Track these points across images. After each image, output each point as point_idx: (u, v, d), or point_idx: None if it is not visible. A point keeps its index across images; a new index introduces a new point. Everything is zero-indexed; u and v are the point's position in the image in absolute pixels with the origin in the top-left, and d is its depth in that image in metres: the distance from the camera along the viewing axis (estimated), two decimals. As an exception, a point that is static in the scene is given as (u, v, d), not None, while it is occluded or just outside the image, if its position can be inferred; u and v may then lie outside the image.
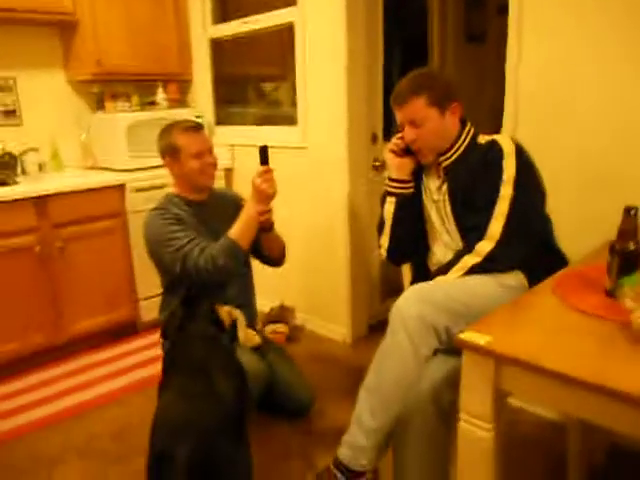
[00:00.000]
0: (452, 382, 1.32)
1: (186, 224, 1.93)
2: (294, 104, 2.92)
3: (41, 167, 3.10)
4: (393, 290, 3.00)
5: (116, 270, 2.93)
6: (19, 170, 2.97)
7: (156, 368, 2.58)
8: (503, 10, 2.04)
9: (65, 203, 2.69)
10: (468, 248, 1.54)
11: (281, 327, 2.91)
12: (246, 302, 2.19)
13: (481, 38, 3.65)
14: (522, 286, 1.52)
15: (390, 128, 2.91)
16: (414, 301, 1.37)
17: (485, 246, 1.49)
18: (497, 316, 1.22)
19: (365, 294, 2.92)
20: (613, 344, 1.07)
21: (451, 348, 1.36)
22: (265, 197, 1.82)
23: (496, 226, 1.49)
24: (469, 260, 1.51)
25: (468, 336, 1.10)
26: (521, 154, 1.55)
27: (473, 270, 1.50)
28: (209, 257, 1.82)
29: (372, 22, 2.66)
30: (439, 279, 1.53)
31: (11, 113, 3.06)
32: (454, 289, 1.44)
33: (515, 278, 1.53)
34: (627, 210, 1.22)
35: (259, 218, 1.85)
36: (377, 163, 2.84)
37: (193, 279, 1.87)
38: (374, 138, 2.84)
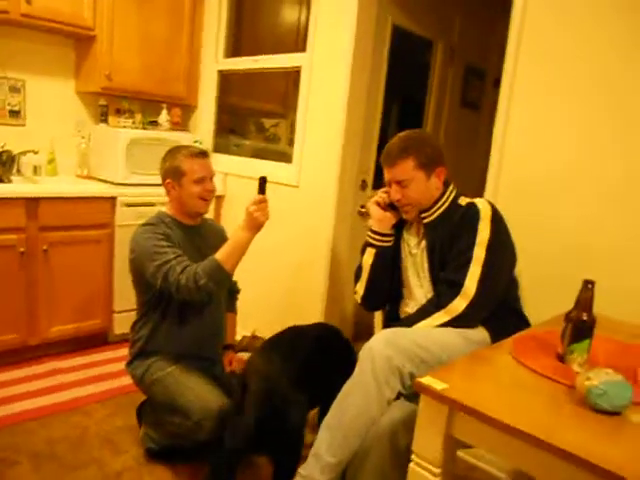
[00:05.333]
0: (410, 426, 1.38)
1: (174, 243, 1.98)
2: (291, 143, 3.04)
3: (36, 170, 3.14)
4: (365, 332, 3.07)
5: (96, 280, 2.96)
6: (14, 170, 3.03)
7: (121, 381, 2.62)
8: (498, 84, 2.19)
9: (56, 207, 2.74)
10: (439, 301, 1.63)
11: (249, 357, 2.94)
12: (220, 330, 2.24)
13: (476, 105, 3.84)
14: (484, 341, 1.62)
15: (380, 176, 3.04)
16: (384, 343, 1.45)
17: (459, 305, 1.59)
18: (456, 366, 1.31)
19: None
20: (559, 404, 1.15)
21: (412, 395, 1.44)
22: (256, 225, 1.87)
23: (470, 285, 1.59)
24: (440, 317, 1.60)
25: (427, 381, 1.17)
26: (496, 218, 1.67)
27: (442, 325, 1.59)
28: (192, 275, 1.84)
29: (375, 77, 2.82)
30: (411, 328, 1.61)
31: (16, 113, 3.13)
32: (422, 338, 1.52)
33: (479, 334, 1.63)
34: (585, 283, 1.32)
35: (247, 245, 1.91)
36: (363, 210, 2.95)
37: (173, 295, 1.91)
38: (364, 185, 2.96)
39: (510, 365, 1.32)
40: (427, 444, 1.18)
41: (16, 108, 3.13)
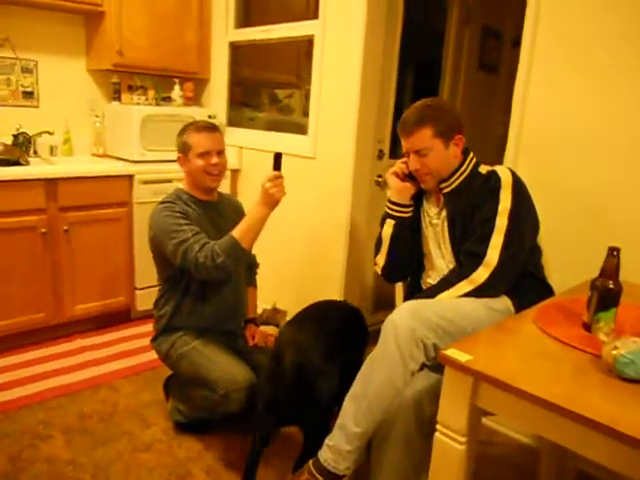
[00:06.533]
0: (434, 396, 1.39)
1: (192, 220, 1.99)
2: (305, 114, 3.00)
3: (52, 150, 3.17)
4: (385, 303, 3.07)
5: (117, 258, 3.00)
6: (31, 151, 3.04)
7: (146, 357, 2.67)
8: (517, 43, 2.12)
9: (74, 187, 2.76)
10: (462, 271, 1.62)
11: (272, 330, 2.97)
12: (240, 304, 2.26)
13: (494, 68, 3.74)
14: (508, 311, 1.60)
15: (397, 145, 3.00)
16: (407, 315, 1.44)
17: (482, 274, 1.57)
18: (480, 337, 1.30)
19: (357, 304, 2.97)
20: (585, 374, 1.14)
21: (436, 365, 1.44)
22: (272, 201, 1.88)
23: (493, 255, 1.57)
24: (463, 287, 1.58)
25: (451, 353, 1.17)
26: (518, 186, 1.63)
27: (465, 295, 1.58)
28: (210, 253, 1.86)
29: (390, 43, 2.75)
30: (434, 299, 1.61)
31: (29, 95, 3.13)
32: (445, 309, 1.51)
33: (502, 303, 1.61)
34: (611, 250, 1.30)
35: (264, 221, 1.91)
36: (381, 179, 2.92)
37: (192, 273, 1.93)
38: (381, 154, 2.92)
39: (535, 335, 1.31)
40: (452, 414, 1.19)
41: (29, 89, 3.12)
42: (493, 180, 1.64)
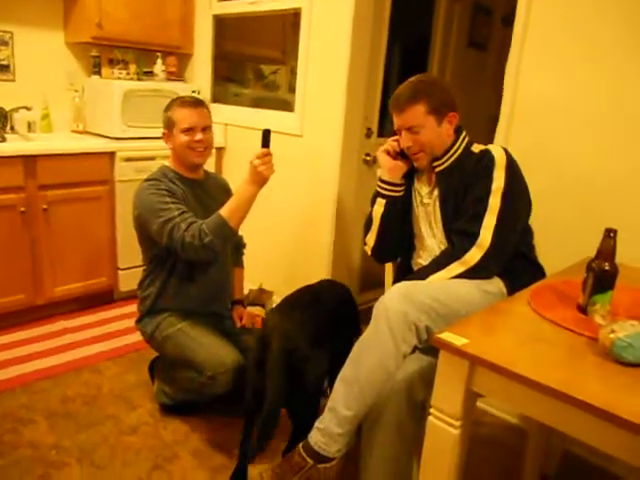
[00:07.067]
0: (426, 379, 1.38)
1: (178, 198, 1.94)
2: (291, 90, 2.93)
3: (30, 126, 3.07)
4: (372, 283, 3.06)
5: (99, 237, 2.93)
6: (8, 127, 2.94)
7: (130, 339, 2.63)
8: (507, 21, 2.08)
9: (54, 165, 2.67)
10: (454, 252, 1.59)
11: (258, 310, 2.94)
12: (227, 285, 2.22)
13: (483, 46, 3.69)
14: (501, 293, 1.58)
15: (385, 123, 2.95)
16: (399, 298, 1.41)
17: (474, 255, 1.54)
18: (474, 320, 1.28)
19: (344, 283, 2.95)
20: (580, 357, 1.13)
21: (428, 348, 1.42)
22: (261, 179, 1.83)
23: (486, 235, 1.54)
24: (455, 268, 1.56)
25: (446, 336, 1.15)
26: (511, 166, 1.60)
27: (457, 276, 1.55)
28: (197, 232, 1.81)
29: (379, 17, 2.68)
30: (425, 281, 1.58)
31: (5, 68, 3.01)
32: (438, 291, 1.48)
33: (495, 285, 1.59)
34: (607, 231, 1.27)
35: (252, 200, 1.86)
36: (369, 158, 2.88)
37: (178, 253, 1.88)
38: (369, 133, 2.87)
39: (529, 317, 1.29)
40: (447, 398, 1.17)
41: (4, 62, 3.01)
42: (486, 159, 1.61)
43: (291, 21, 2.92)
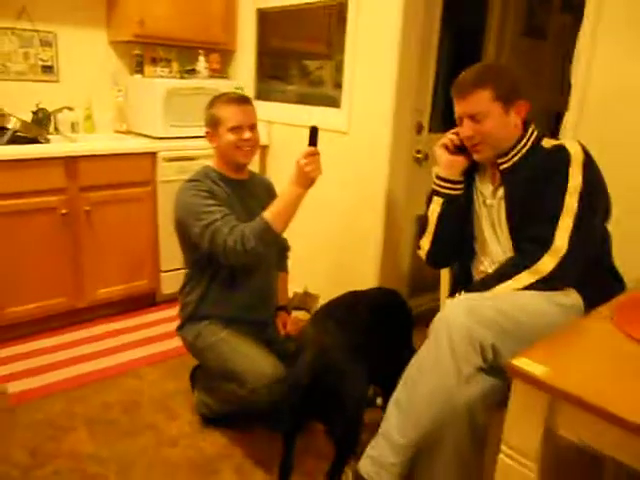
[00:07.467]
0: (489, 403, 1.23)
1: (220, 200, 1.83)
2: (337, 85, 2.80)
3: (74, 127, 3.04)
4: (422, 286, 2.90)
5: (141, 239, 2.87)
6: (51, 128, 2.92)
7: (171, 344, 2.56)
8: (567, 8, 1.88)
9: (96, 166, 2.62)
10: (523, 260, 1.42)
11: (303, 315, 2.83)
12: (271, 292, 2.11)
13: (541, 34, 3.45)
14: (576, 305, 1.40)
15: (438, 118, 2.78)
16: (463, 313, 1.26)
17: (548, 263, 1.36)
18: (552, 342, 1.11)
19: (393, 287, 2.81)
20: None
21: (495, 367, 1.26)
22: (308, 180, 1.69)
23: (561, 241, 1.36)
24: (525, 278, 1.38)
25: (522, 363, 0.98)
26: (589, 162, 1.42)
27: (527, 288, 1.38)
28: (239, 237, 1.71)
29: (430, 8, 2.51)
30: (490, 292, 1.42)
31: (48, 69, 2.99)
32: (505, 305, 1.32)
33: (569, 297, 1.41)
34: None
35: (299, 202, 1.73)
36: (419, 155, 2.71)
37: (220, 258, 1.78)
38: (419, 128, 2.70)
39: (615, 337, 1.11)
40: (521, 435, 1.01)
41: (48, 63, 2.98)
42: (561, 155, 1.42)
43: (337, 13, 2.79)
